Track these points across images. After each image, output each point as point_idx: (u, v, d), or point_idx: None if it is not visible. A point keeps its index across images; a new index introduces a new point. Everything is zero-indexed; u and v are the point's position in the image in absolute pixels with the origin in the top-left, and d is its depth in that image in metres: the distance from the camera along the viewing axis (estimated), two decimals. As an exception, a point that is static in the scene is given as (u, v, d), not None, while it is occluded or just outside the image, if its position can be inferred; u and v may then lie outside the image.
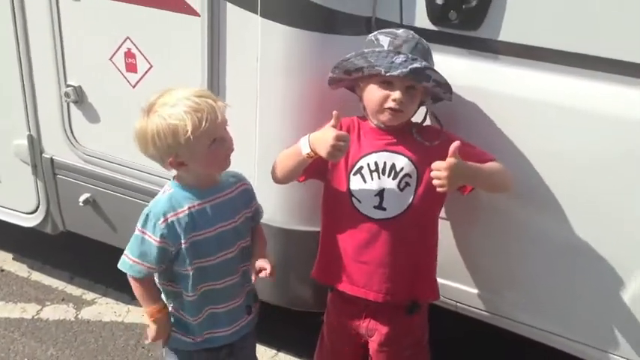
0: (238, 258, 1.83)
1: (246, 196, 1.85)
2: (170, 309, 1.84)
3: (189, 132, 1.58)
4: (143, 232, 1.71)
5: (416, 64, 1.67)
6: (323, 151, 1.69)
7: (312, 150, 1.73)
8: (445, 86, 1.75)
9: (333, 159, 1.72)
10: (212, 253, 1.76)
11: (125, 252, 1.76)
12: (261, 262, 1.81)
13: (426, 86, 1.75)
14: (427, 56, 1.75)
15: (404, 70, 1.67)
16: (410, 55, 1.68)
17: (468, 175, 1.72)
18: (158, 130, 1.61)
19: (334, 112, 1.72)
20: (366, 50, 1.73)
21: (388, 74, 1.69)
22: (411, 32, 1.77)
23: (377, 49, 1.72)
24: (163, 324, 1.81)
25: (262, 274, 1.79)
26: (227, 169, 1.78)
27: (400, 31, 1.76)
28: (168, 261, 1.75)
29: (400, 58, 1.68)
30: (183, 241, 1.71)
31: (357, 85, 1.83)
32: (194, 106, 1.60)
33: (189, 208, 1.72)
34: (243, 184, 1.85)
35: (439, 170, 1.65)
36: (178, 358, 1.89)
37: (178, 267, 1.76)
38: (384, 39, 1.73)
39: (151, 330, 1.81)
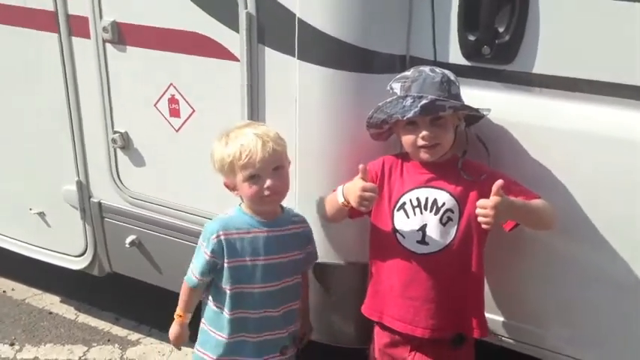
0: (281, 294, 1.88)
1: (301, 238, 1.93)
2: (203, 326, 1.96)
3: (229, 161, 1.80)
4: (201, 244, 1.89)
5: (423, 101, 1.72)
6: (353, 202, 1.78)
7: (345, 199, 1.81)
8: (467, 108, 1.78)
9: (362, 209, 1.79)
10: (254, 281, 1.85)
11: (193, 262, 1.92)
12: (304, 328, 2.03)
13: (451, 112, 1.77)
14: (441, 86, 1.76)
15: (415, 110, 1.72)
16: (416, 95, 1.73)
17: (513, 212, 1.72)
18: (216, 152, 1.85)
19: (360, 166, 1.78)
20: (380, 104, 1.80)
21: (406, 118, 1.75)
22: (420, 68, 1.81)
23: (388, 99, 1.78)
24: (174, 326, 1.97)
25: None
26: (292, 209, 1.96)
27: (410, 72, 1.81)
28: (215, 275, 1.87)
29: (408, 101, 1.73)
30: (226, 261, 1.83)
31: (394, 131, 1.90)
32: (244, 141, 1.78)
33: (242, 233, 1.84)
34: (303, 226, 1.95)
35: (485, 209, 1.66)
36: None
37: (221, 284, 1.86)
38: (396, 85, 1.80)
39: (172, 329, 1.98)
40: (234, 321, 1.88)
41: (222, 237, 1.83)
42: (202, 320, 1.99)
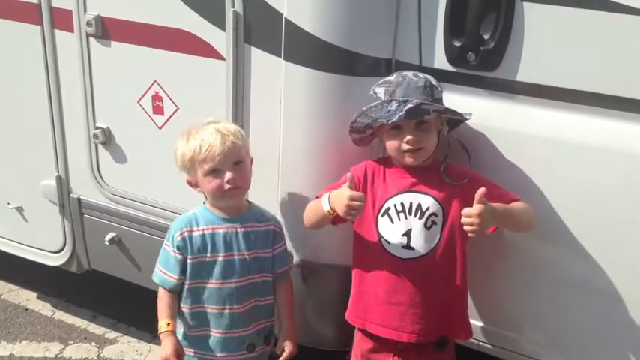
0: (244, 291, 1.90)
1: (269, 236, 1.93)
2: (182, 328, 1.97)
3: (189, 156, 1.82)
4: (166, 245, 1.92)
5: (409, 105, 1.72)
6: (340, 211, 1.77)
7: (331, 208, 1.80)
8: (450, 111, 1.79)
9: (349, 218, 1.78)
10: (211, 277, 1.88)
11: (156, 264, 1.95)
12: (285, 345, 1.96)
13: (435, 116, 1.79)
14: (425, 90, 1.77)
15: (400, 114, 1.73)
16: (401, 99, 1.74)
17: (496, 217, 1.73)
18: (178, 149, 1.87)
19: (348, 175, 1.78)
20: (364, 108, 1.80)
21: (390, 122, 1.75)
22: (404, 73, 1.82)
23: (373, 104, 1.79)
24: (167, 341, 1.85)
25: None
26: (260, 207, 1.97)
27: (393, 77, 1.82)
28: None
29: (394, 105, 1.74)
30: (189, 257, 1.86)
31: (377, 136, 1.90)
32: (204, 136, 1.81)
33: (203, 229, 1.87)
34: (272, 224, 1.95)
35: (470, 217, 1.68)
36: None
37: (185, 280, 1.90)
38: (379, 90, 1.81)
39: (165, 346, 1.86)
40: (194, 315, 1.92)
41: (185, 234, 1.87)
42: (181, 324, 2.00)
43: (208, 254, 1.88)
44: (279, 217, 2.09)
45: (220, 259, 1.87)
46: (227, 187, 1.81)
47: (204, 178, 1.82)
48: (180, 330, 1.97)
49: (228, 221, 1.89)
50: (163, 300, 1.91)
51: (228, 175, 1.81)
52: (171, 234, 1.90)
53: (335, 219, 1.87)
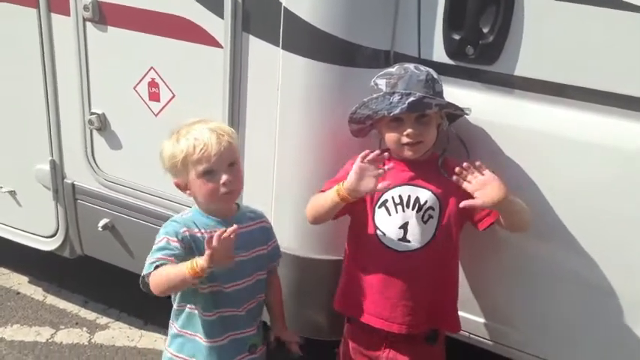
0: (246, 293, 1.83)
1: (263, 233, 1.87)
2: (178, 332, 1.83)
3: (181, 157, 1.69)
4: (163, 239, 1.69)
5: (411, 98, 1.72)
6: (355, 182, 1.72)
7: (340, 192, 1.76)
8: (451, 106, 1.79)
9: (367, 187, 1.72)
10: (215, 280, 1.74)
11: (146, 261, 1.71)
12: (288, 336, 1.95)
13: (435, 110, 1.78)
14: (427, 84, 1.77)
15: (403, 107, 1.72)
16: (404, 92, 1.73)
17: (505, 192, 1.71)
18: (166, 149, 1.74)
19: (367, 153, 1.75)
20: (365, 99, 1.80)
21: (392, 115, 1.75)
22: (405, 65, 1.81)
23: (374, 95, 1.78)
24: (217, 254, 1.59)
25: (294, 349, 1.94)
26: (247, 205, 1.86)
27: (395, 69, 1.81)
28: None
29: (396, 97, 1.73)
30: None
31: (376, 128, 1.90)
32: (197, 135, 1.69)
33: (203, 232, 1.73)
34: (263, 221, 1.89)
35: (484, 184, 1.70)
36: None
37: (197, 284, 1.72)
38: (381, 82, 1.80)
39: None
40: (219, 320, 1.79)
41: (187, 233, 1.71)
42: (174, 325, 1.87)
43: None
44: (274, 205, 2.09)
45: None
46: (223, 190, 1.69)
47: (198, 180, 1.70)
48: (177, 340, 1.84)
49: (225, 223, 1.72)
50: (160, 275, 1.64)
51: (224, 178, 1.68)
52: (172, 231, 1.70)
53: (338, 212, 1.85)
